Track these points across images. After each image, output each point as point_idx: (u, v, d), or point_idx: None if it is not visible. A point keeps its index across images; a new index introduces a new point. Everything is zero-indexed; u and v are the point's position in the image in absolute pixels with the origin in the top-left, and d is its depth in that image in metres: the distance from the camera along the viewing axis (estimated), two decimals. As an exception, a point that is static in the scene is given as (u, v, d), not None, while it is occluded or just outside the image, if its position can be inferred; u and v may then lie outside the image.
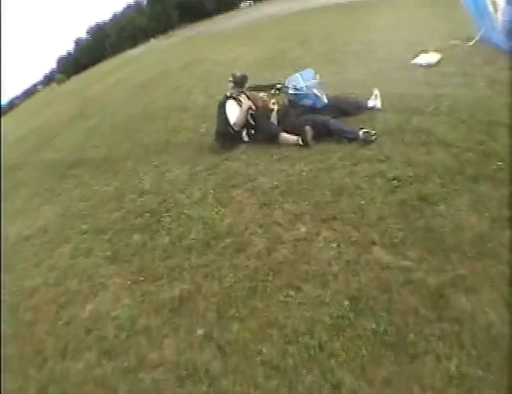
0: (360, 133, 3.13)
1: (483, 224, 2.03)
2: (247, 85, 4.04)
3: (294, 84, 3.73)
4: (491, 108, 3.06)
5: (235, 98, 3.91)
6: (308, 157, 3.17)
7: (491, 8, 4.55)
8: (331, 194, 2.61)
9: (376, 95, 3.69)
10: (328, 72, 5.30)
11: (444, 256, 1.92)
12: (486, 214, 2.07)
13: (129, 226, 3.12)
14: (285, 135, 3.53)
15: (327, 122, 3.33)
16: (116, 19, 76.66)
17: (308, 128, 3.33)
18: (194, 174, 3.60)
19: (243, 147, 3.79)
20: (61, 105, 14.32)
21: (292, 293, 1.99)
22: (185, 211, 3.03)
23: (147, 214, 3.21)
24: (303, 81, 3.71)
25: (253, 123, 3.79)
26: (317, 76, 3.81)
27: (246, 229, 2.57)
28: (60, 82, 39.05)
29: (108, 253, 2.84)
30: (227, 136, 3.89)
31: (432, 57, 4.64)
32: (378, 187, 2.53)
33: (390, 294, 1.81)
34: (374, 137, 3.08)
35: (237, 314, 1.96)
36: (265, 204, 2.75)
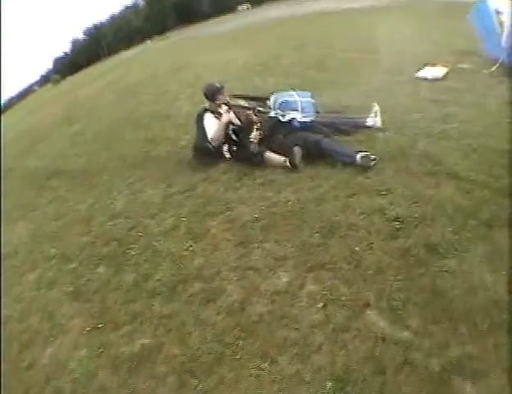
0: (357, 156, 2.73)
1: (499, 285, 1.65)
2: (225, 95, 3.60)
3: (284, 99, 3.34)
4: (506, 135, 2.67)
5: (213, 111, 3.52)
6: (296, 183, 2.78)
7: (498, 28, 4.32)
8: (321, 234, 2.21)
9: (376, 112, 3.30)
10: (323, 81, 4.95)
11: (451, 327, 1.54)
12: (503, 272, 1.70)
13: (95, 256, 2.81)
14: (270, 155, 3.13)
15: (319, 142, 2.95)
16: (113, 20, 76.20)
17: (296, 149, 2.95)
18: (168, 196, 3.21)
19: (224, 165, 3.39)
20: (52, 107, 13.83)
21: (266, 365, 1.62)
22: (154, 243, 2.66)
23: (114, 243, 2.87)
24: (298, 97, 3.33)
25: (235, 139, 3.40)
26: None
27: (219, 273, 2.19)
28: (55, 83, 38.54)
29: (71, 288, 2.54)
30: (206, 152, 3.49)
31: (438, 71, 4.28)
32: (377, 229, 2.12)
33: (384, 376, 1.44)
34: (373, 162, 2.70)
35: (201, 386, 1.63)
36: (243, 242, 2.36)
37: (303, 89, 3.69)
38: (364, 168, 2.68)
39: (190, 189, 3.18)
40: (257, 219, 2.51)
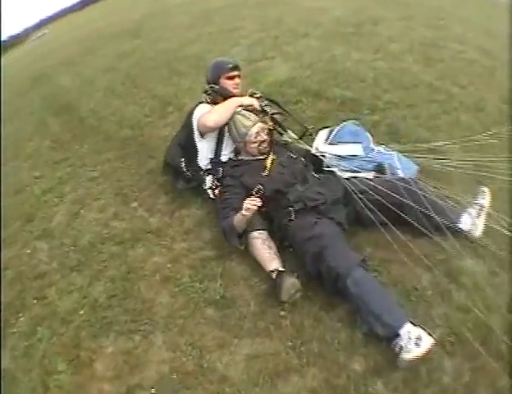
0: (403, 333, 1.28)
1: None
2: (236, 82, 2.16)
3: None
4: None
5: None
6: (264, 331, 1.47)
7: None
8: None
9: (481, 207, 1.71)
10: (415, 82, 3.11)
11: None
12: None
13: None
14: (257, 246, 1.72)
15: (344, 278, 1.41)
16: None
17: (289, 283, 1.52)
18: (101, 240, 2.11)
19: (196, 214, 2.14)
20: (132, 10, 12.46)
21: None
22: (38, 328, 1.70)
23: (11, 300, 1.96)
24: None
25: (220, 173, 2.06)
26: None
27: None
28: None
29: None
30: (178, 173, 2.18)
31: None
32: None
33: None
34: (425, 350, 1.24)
35: None
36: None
37: (388, 82, 2.49)
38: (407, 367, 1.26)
39: (129, 241, 2.04)
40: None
